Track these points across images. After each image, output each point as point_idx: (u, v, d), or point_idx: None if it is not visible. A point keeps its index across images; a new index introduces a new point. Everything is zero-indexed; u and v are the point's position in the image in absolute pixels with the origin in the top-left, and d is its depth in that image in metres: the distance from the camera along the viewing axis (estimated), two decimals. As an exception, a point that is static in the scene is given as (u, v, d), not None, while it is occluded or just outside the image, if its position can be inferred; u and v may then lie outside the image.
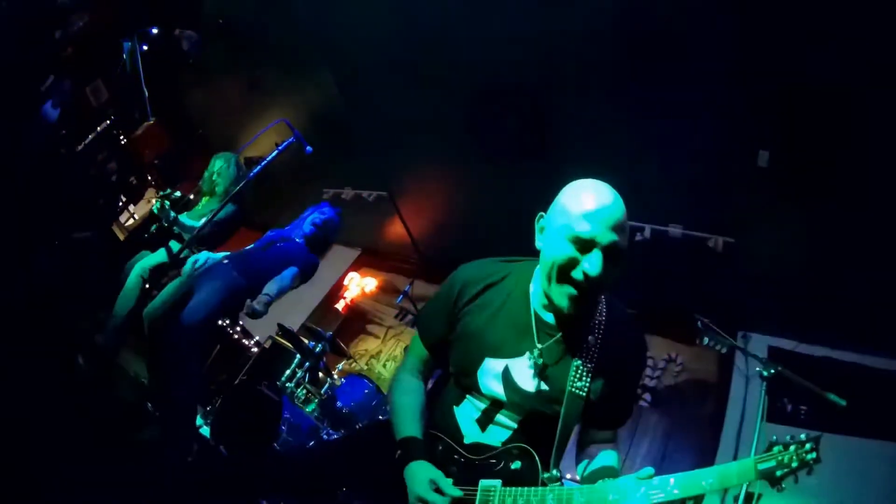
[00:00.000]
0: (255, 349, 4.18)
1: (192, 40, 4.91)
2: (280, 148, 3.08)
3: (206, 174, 3.68)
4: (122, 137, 4.96)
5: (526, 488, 1.22)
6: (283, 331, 3.98)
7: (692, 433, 4.19)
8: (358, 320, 5.92)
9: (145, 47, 4.33)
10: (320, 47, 4.22)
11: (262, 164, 3.09)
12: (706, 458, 3.99)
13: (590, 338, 1.32)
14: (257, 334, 4.36)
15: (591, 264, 1.18)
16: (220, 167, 3.64)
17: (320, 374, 3.72)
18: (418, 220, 5.61)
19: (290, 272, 3.05)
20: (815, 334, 4.03)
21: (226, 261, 2.99)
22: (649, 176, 3.66)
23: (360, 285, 5.86)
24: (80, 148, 5.06)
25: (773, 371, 2.89)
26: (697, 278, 4.00)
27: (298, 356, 3.71)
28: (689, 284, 4.07)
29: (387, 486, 1.38)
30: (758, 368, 2.94)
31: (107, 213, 4.88)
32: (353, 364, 4.63)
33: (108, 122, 5.08)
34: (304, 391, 3.63)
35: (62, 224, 4.47)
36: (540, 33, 3.21)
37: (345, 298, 5.83)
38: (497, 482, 1.25)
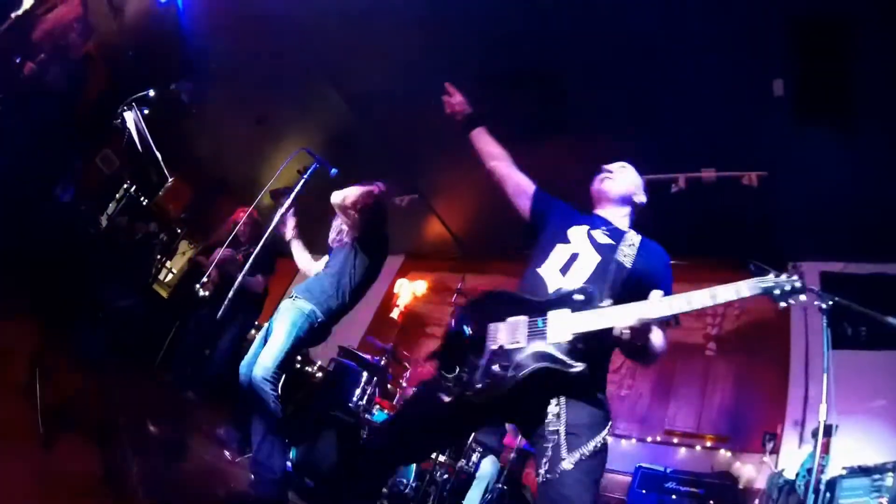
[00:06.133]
0: (318, 374, 4.21)
1: (190, 90, 4.95)
2: (305, 176, 3.08)
3: None
4: (143, 199, 5.01)
5: None
6: (344, 352, 4.00)
7: (761, 373, 4.16)
8: (416, 325, 5.93)
9: (146, 111, 4.36)
10: (318, 67, 4.24)
11: (291, 195, 3.09)
12: (778, 394, 3.96)
13: None
14: (319, 359, 4.39)
15: None
16: None
17: (389, 387, 3.74)
18: (454, 215, 5.62)
19: None
20: (860, 253, 4.02)
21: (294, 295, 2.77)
22: (673, 125, 3.66)
23: (411, 290, 5.82)
24: (104, 218, 5.13)
25: (831, 302, 2.85)
26: (739, 218, 3.96)
27: (365, 373, 3.73)
28: (733, 225, 4.04)
29: None
30: (816, 302, 2.91)
31: (144, 274, 4.93)
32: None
33: (125, 186, 5.13)
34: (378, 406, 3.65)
35: (103, 295, 4.53)
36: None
37: (398, 306, 5.76)
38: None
